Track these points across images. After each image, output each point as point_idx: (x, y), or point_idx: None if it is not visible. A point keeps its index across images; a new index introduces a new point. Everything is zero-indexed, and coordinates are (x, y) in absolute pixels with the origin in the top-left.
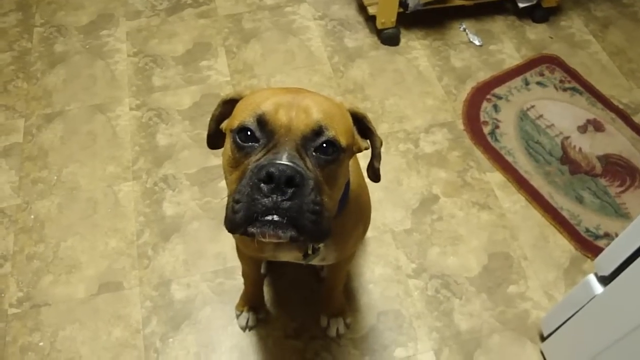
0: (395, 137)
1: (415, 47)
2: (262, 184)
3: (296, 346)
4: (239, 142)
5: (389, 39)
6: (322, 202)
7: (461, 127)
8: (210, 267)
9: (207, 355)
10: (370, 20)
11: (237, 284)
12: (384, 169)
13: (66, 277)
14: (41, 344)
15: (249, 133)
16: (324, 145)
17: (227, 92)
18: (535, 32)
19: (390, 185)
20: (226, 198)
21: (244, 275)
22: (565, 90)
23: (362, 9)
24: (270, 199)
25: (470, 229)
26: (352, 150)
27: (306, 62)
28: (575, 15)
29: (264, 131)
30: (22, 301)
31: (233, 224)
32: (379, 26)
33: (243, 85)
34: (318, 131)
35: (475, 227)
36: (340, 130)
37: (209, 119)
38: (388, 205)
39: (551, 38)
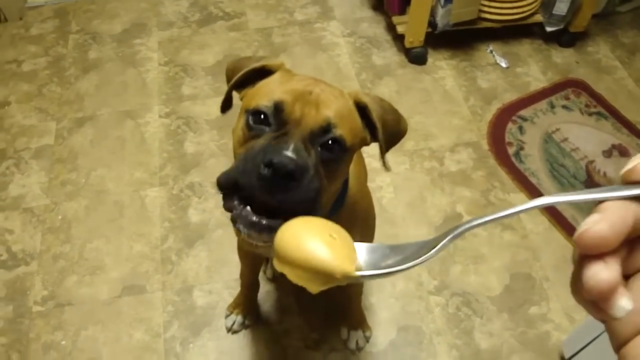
0: (421, 155)
1: (442, 67)
2: (262, 168)
3: (316, 357)
4: (251, 124)
5: (417, 58)
6: (318, 193)
7: (486, 147)
8: (233, 275)
9: None
10: (398, 39)
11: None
12: (408, 185)
13: (90, 278)
14: (63, 342)
15: (262, 117)
16: (330, 142)
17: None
18: (562, 56)
19: (414, 202)
20: None
21: (241, 276)
22: (590, 114)
23: (390, 27)
24: (266, 184)
25: (492, 249)
26: (357, 148)
27: (334, 77)
28: (602, 41)
29: (277, 118)
30: (46, 300)
31: (223, 186)
32: (407, 45)
33: None
34: (326, 129)
35: (498, 246)
36: (347, 129)
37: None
38: (411, 221)
39: (577, 63)
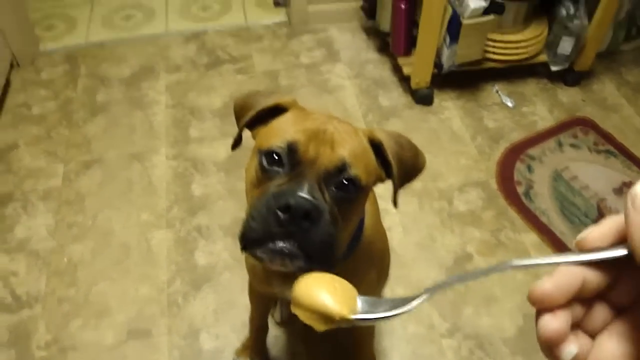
0: (429, 195)
1: (449, 107)
2: (279, 212)
3: None
4: (265, 165)
5: (423, 98)
6: (335, 235)
7: (495, 186)
8: (240, 319)
9: None
10: (404, 80)
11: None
12: (417, 225)
13: (95, 322)
14: None
15: (276, 157)
16: (345, 182)
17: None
18: (568, 95)
19: (423, 242)
20: None
21: (250, 319)
22: (599, 152)
23: (396, 69)
24: (284, 228)
25: (504, 290)
26: (372, 186)
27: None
28: (607, 80)
29: (291, 159)
30: (49, 344)
31: (247, 241)
32: (414, 86)
33: None
34: (341, 168)
35: (510, 287)
36: (362, 168)
37: (239, 122)
38: (422, 262)
39: (583, 101)
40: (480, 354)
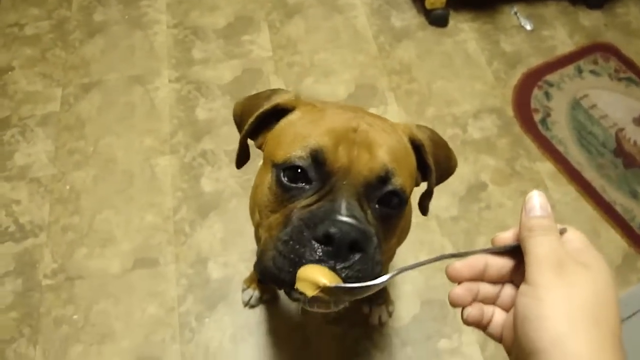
0: (443, 121)
1: (464, 29)
2: (315, 244)
3: (336, 332)
4: (286, 183)
5: (438, 19)
6: (381, 262)
7: (511, 113)
8: (248, 247)
9: (243, 337)
10: (418, 0)
11: None
12: None
13: (101, 251)
14: (75, 317)
15: (299, 171)
16: (388, 194)
17: (268, 100)
18: (589, 19)
19: None
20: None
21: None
22: (620, 80)
23: None
24: (324, 263)
25: (518, 220)
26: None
27: (351, 40)
28: (631, 3)
29: (319, 172)
30: (56, 273)
31: (271, 280)
32: (429, 6)
33: (285, 62)
34: (384, 178)
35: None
36: (406, 175)
37: (239, 133)
38: (434, 192)
39: (606, 25)
40: None
